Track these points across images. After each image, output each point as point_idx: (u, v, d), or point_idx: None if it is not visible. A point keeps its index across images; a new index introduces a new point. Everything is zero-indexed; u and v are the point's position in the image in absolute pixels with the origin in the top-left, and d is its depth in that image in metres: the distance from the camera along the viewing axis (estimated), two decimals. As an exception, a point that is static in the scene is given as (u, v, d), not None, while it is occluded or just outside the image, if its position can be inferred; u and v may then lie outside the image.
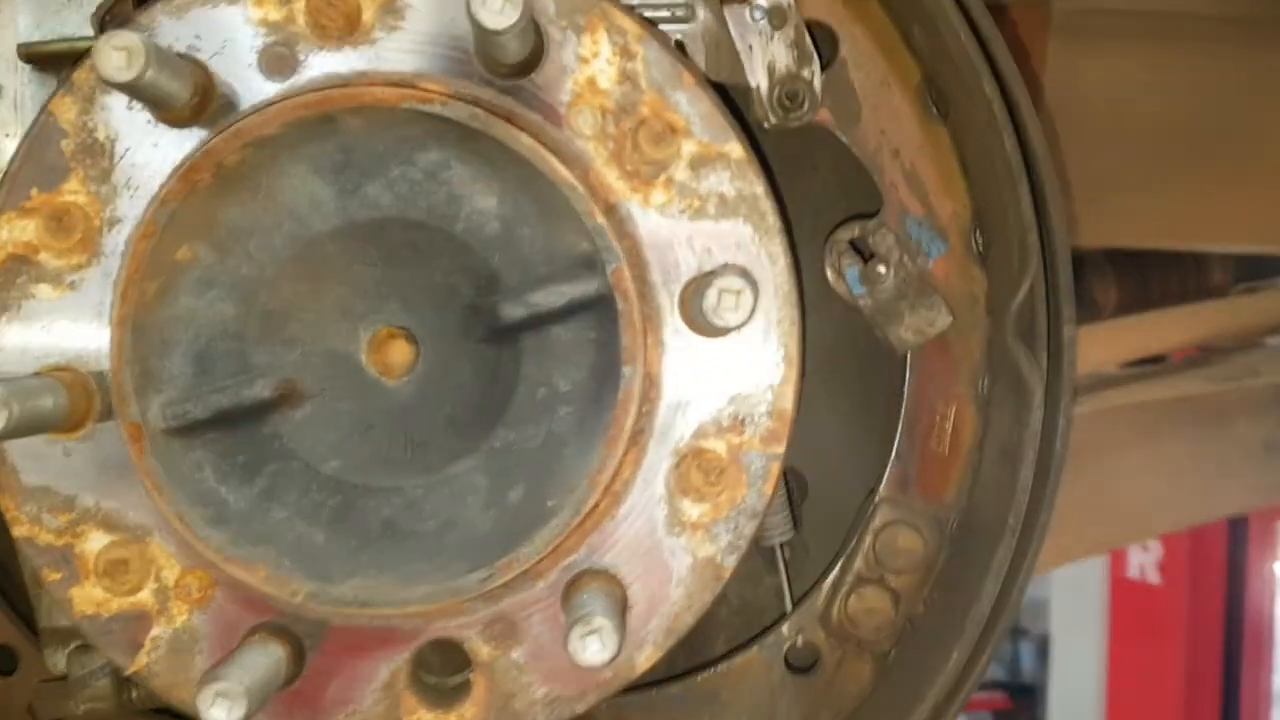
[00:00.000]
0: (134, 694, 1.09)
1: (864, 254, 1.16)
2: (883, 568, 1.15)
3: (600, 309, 0.96)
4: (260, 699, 0.90)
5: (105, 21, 1.05)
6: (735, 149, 1.00)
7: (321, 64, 0.98)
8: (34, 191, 0.97)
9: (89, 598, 0.98)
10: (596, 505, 0.99)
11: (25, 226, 0.97)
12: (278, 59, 0.97)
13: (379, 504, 0.97)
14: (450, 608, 0.97)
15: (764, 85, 1.11)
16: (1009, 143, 1.03)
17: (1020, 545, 1.08)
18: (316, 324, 0.97)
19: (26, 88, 1.06)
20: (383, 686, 1.01)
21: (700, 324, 0.95)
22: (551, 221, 0.96)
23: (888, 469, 1.17)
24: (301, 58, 0.97)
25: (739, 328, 0.92)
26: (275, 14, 0.97)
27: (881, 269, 1.13)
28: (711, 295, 0.90)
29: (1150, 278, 3.00)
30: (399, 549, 0.96)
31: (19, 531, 0.98)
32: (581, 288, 0.95)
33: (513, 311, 0.95)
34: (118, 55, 0.85)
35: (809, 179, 1.27)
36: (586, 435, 0.96)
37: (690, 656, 1.25)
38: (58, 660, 1.08)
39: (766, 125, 1.12)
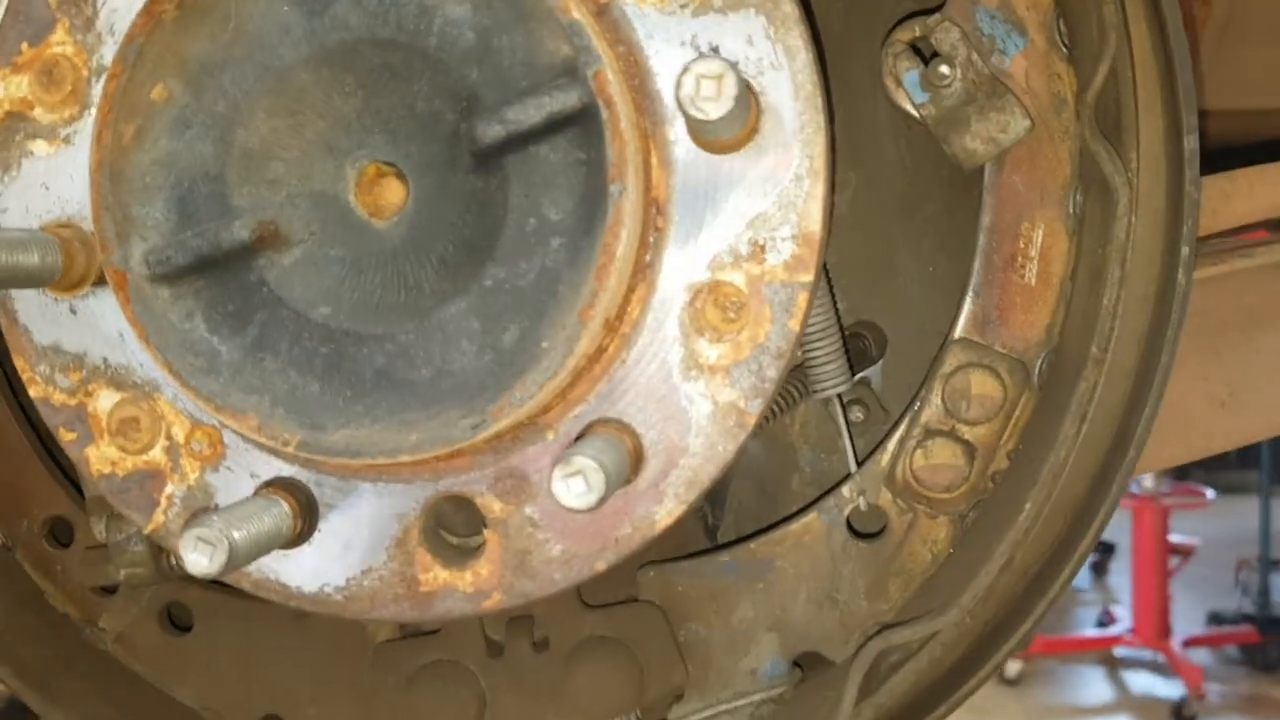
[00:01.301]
0: (172, 559, 1.09)
1: (926, 56, 1.00)
2: (954, 417, 1.01)
3: (587, 122, 0.85)
4: (252, 549, 0.87)
5: None
6: (741, -70, 0.87)
7: (289, -121, 0.91)
8: (23, 46, 0.95)
9: (104, 457, 0.98)
10: (604, 349, 0.90)
11: (19, 83, 0.96)
12: (242, -125, 0.91)
13: (372, 352, 0.91)
14: (455, 461, 0.91)
15: None
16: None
17: (1136, 385, 0.91)
18: (300, 163, 0.92)
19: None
20: (396, 543, 0.96)
21: (697, 132, 0.83)
22: (530, 26, 0.86)
23: (964, 306, 1.02)
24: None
25: (722, 121, 0.80)
26: None
27: (945, 70, 0.97)
28: (688, 83, 0.78)
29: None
30: (393, 398, 0.90)
31: (34, 392, 0.98)
32: (562, 99, 0.85)
33: (488, 131, 0.86)
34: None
35: (877, -13, 1.12)
36: (580, 268, 0.87)
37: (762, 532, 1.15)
38: (100, 527, 1.08)
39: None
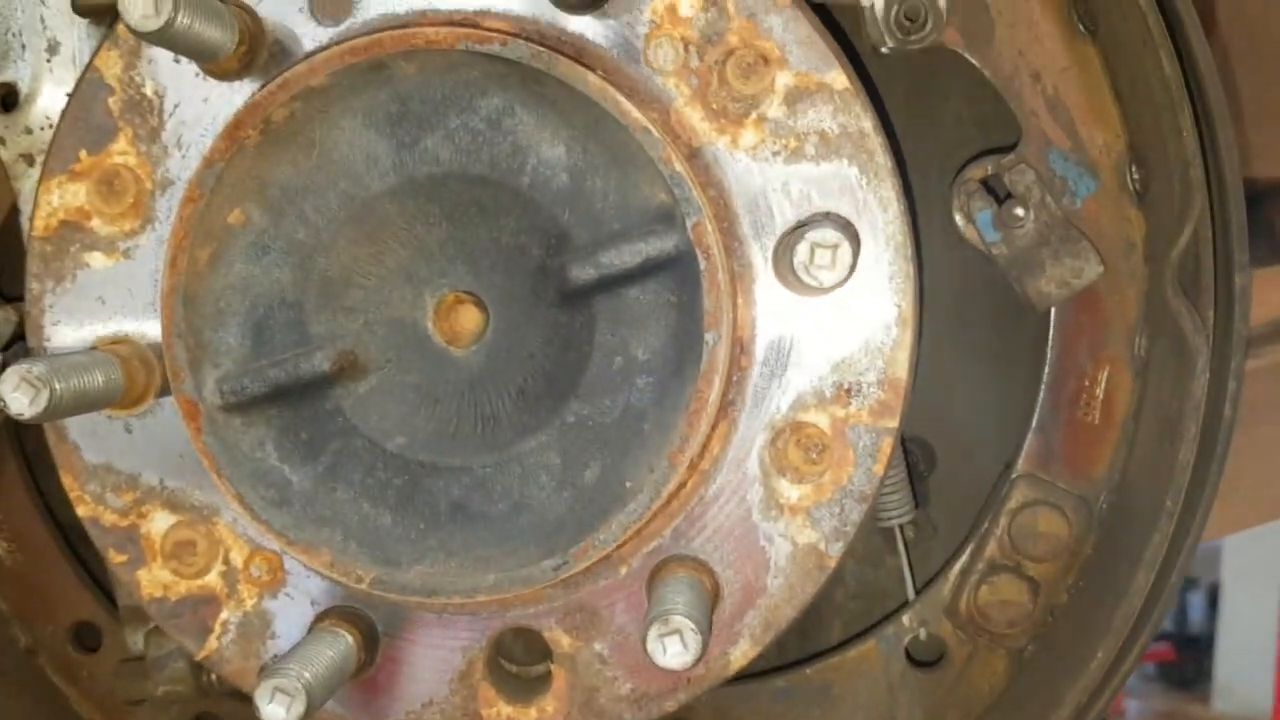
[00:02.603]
0: (212, 677, 1.06)
1: (998, 195, 1.01)
2: (1019, 554, 1.01)
3: (680, 268, 0.85)
4: (326, 691, 0.85)
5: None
6: (838, 78, 0.87)
7: (376, 4, 0.89)
8: (82, 154, 0.92)
9: (156, 580, 0.95)
10: (683, 485, 0.89)
11: (75, 191, 0.93)
12: (329, 0, 0.89)
13: (447, 483, 0.89)
14: (525, 595, 0.89)
15: (880, 3, 0.96)
16: (1168, 63, 0.87)
17: (1178, 531, 0.93)
18: (378, 290, 0.90)
19: (85, 42, 1.01)
20: (459, 676, 0.94)
21: (795, 282, 0.83)
22: (625, 171, 0.85)
23: (1027, 440, 1.03)
24: (356, -1, 0.89)
25: (836, 288, 0.80)
26: (326, -49, 0.89)
27: (1019, 211, 0.98)
28: (803, 250, 0.78)
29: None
30: (468, 532, 0.89)
31: (83, 511, 0.94)
32: (658, 244, 0.84)
33: (582, 273, 0.85)
34: (143, 2, 0.78)
35: (938, 108, 1.13)
36: (667, 409, 0.86)
37: (803, 643, 1.15)
38: (136, 639, 1.05)
39: (884, 49, 0.98)
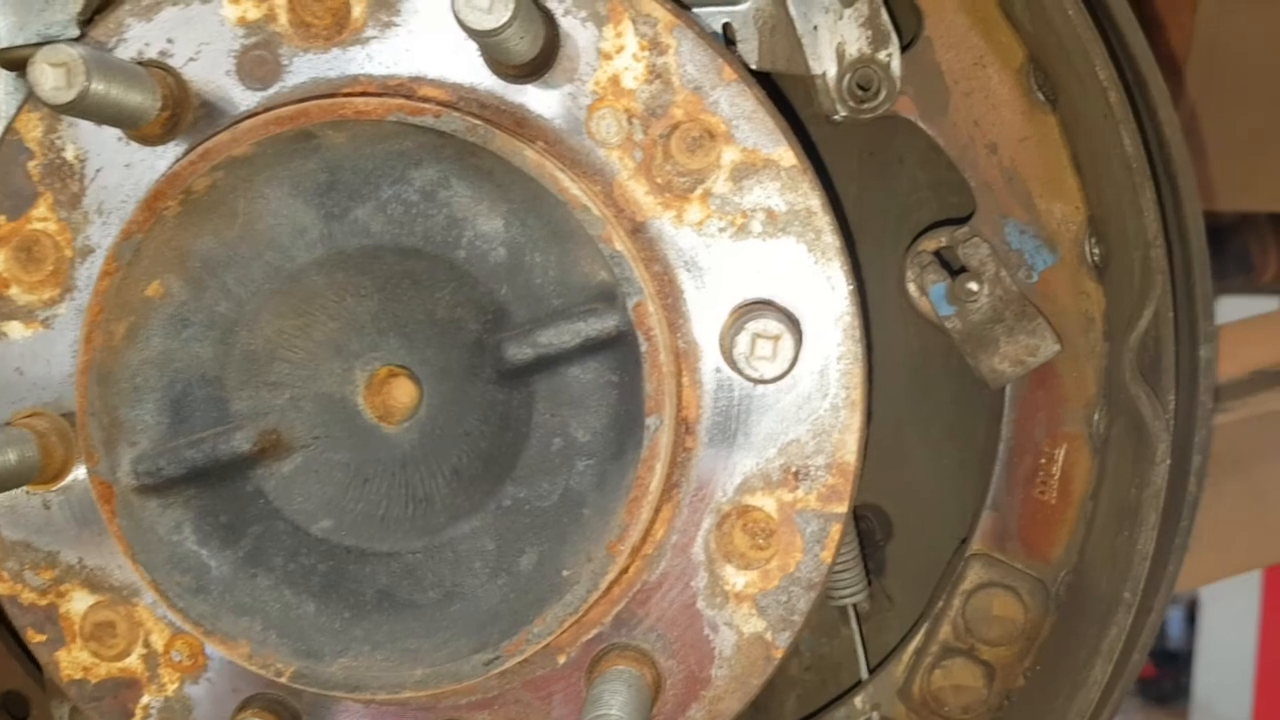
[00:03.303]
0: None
1: (952, 267, 0.98)
2: (974, 637, 0.98)
3: (622, 348, 0.81)
4: None
5: (90, 23, 0.95)
6: (786, 155, 0.84)
7: (307, 68, 0.86)
8: (1, 219, 0.88)
9: (75, 662, 0.90)
10: (624, 571, 0.86)
11: (-6, 258, 0.88)
12: (258, 63, 0.86)
13: (374, 570, 0.85)
14: (457, 688, 0.85)
15: (832, 72, 0.94)
16: (1129, 140, 0.84)
17: (1137, 620, 0.90)
18: (306, 364, 0.86)
19: (12, 96, 0.96)
20: (388, 769, 0.90)
21: (737, 371, 0.80)
22: (566, 247, 0.82)
23: (982, 518, 1.00)
24: (284, 62, 0.86)
25: (778, 379, 0.77)
26: (254, 12, 0.85)
27: (973, 286, 0.95)
28: (743, 341, 0.75)
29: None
30: (396, 622, 0.85)
31: (1, 589, 0.90)
32: (598, 324, 0.81)
33: (519, 352, 0.81)
34: (54, 73, 0.74)
35: (895, 173, 1.10)
36: (608, 493, 0.82)
37: (757, 717, 1.11)
38: (62, 714, 1.00)
39: (836, 118, 0.95)
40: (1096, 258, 0.95)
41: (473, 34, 0.74)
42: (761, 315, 0.76)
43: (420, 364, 0.85)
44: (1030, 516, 0.98)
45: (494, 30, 0.72)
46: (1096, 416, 0.96)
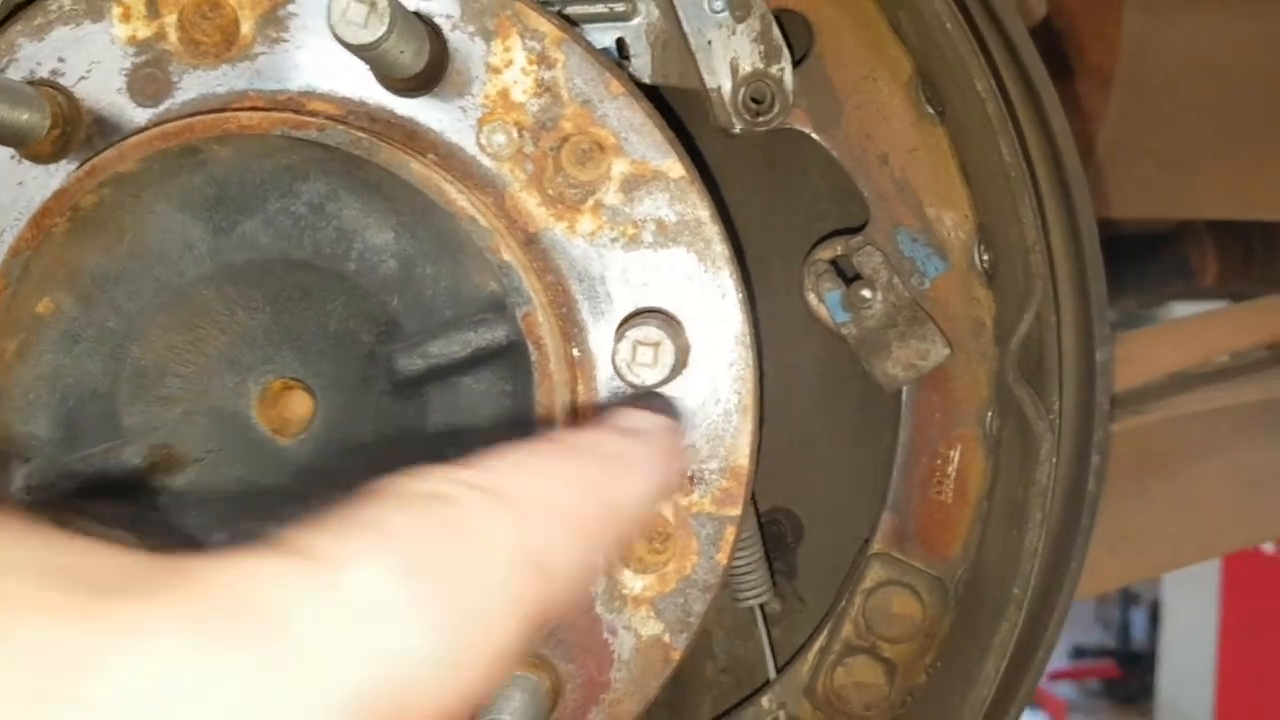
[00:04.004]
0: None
1: (847, 275, 1.00)
2: (874, 635, 1.00)
3: (514, 357, 0.82)
4: None
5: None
6: (674, 167, 0.86)
7: (197, 85, 0.86)
8: (-126, 238, 0.87)
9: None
10: (522, 580, 0.86)
11: None
12: (148, 81, 0.86)
13: (271, 584, 0.85)
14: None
15: (727, 86, 0.95)
16: (1006, 149, 0.87)
17: (1040, 618, 0.92)
18: (198, 378, 0.86)
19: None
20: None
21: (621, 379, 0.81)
22: (456, 258, 0.83)
23: (882, 519, 1.02)
24: (175, 79, 0.86)
25: (660, 386, 0.78)
26: (144, 30, 0.85)
27: (866, 293, 0.97)
28: (624, 349, 0.76)
29: (1254, 250, 2.77)
30: (293, 636, 0.84)
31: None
32: (488, 334, 0.81)
33: (409, 363, 0.82)
34: (-69, 90, 0.74)
35: (798, 187, 1.12)
36: (502, 504, 0.83)
37: (672, 719, 1.12)
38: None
39: (733, 131, 0.97)
40: (986, 264, 0.97)
41: (350, 48, 0.74)
42: (642, 323, 0.77)
43: (314, 376, 0.86)
44: (927, 516, 1.00)
45: (370, 45, 0.73)
46: (989, 418, 0.98)
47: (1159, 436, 1.80)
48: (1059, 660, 7.64)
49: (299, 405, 0.87)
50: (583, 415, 0.86)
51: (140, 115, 0.86)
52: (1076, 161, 0.94)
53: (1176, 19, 1.92)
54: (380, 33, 0.73)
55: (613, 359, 0.77)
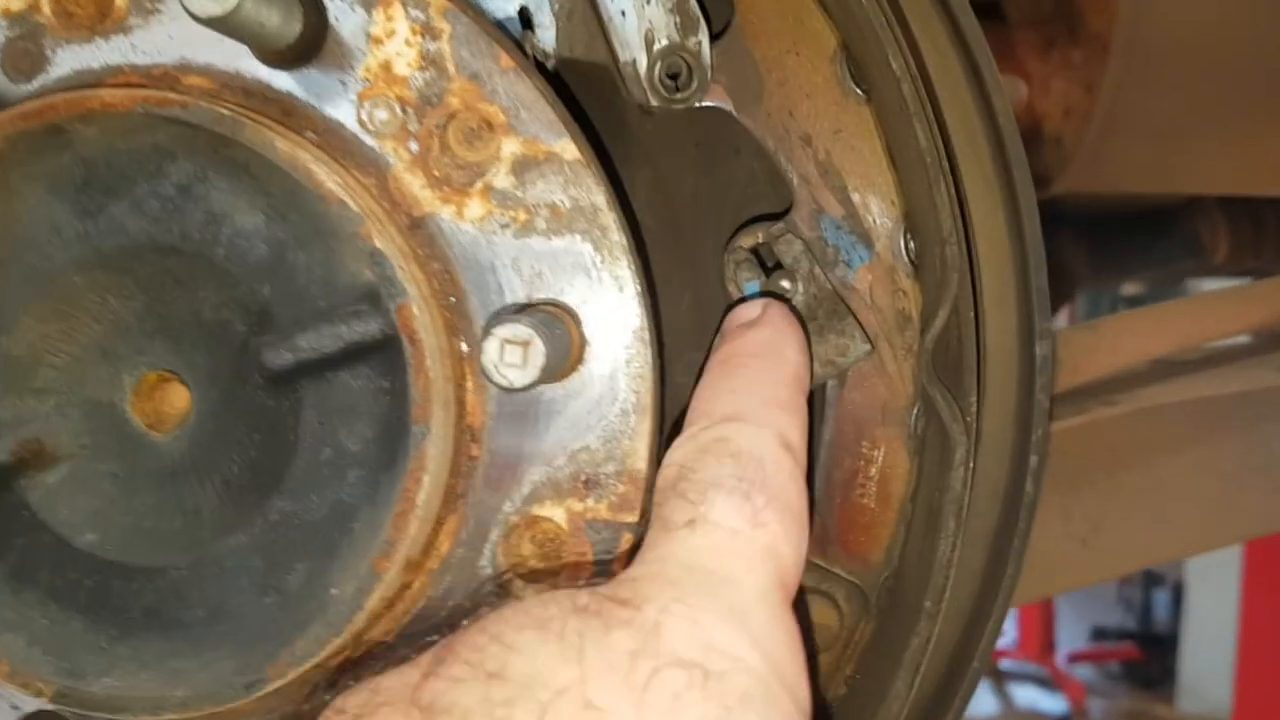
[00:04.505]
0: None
1: (768, 264, 0.95)
2: (792, 645, 0.95)
3: (391, 352, 0.78)
4: None
5: None
6: (568, 149, 0.80)
7: (70, 60, 0.81)
8: None
9: None
10: (407, 586, 0.82)
11: None
12: (22, 56, 0.81)
13: (141, 587, 0.81)
14: (223, 713, 0.81)
15: (641, 60, 0.90)
16: (922, 134, 0.81)
17: (967, 632, 0.87)
18: (71, 370, 0.82)
19: None
20: (167, 790, 0.86)
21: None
22: (330, 245, 0.78)
23: (803, 523, 0.96)
24: (49, 53, 0.81)
25: (529, 388, 0.73)
26: (18, 3, 0.81)
27: (785, 284, 0.92)
28: (491, 348, 0.71)
29: (1266, 227, 2.69)
30: (162, 641, 0.81)
31: None
32: (361, 328, 0.77)
33: (277, 358, 0.77)
34: None
35: (729, 167, 1.06)
36: (380, 507, 0.79)
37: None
38: None
39: (649, 108, 0.91)
40: (912, 254, 0.91)
41: (202, 23, 0.69)
42: (511, 320, 0.72)
43: (189, 369, 0.81)
44: (849, 520, 0.95)
45: (220, 17, 0.68)
46: (914, 417, 0.93)
47: (1133, 428, 1.74)
48: (1078, 641, 7.56)
49: (175, 398, 0.83)
50: (470, 413, 0.81)
51: (16, 92, 0.81)
52: (1019, 144, 0.88)
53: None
54: (231, 5, 0.68)
55: (480, 359, 0.72)
